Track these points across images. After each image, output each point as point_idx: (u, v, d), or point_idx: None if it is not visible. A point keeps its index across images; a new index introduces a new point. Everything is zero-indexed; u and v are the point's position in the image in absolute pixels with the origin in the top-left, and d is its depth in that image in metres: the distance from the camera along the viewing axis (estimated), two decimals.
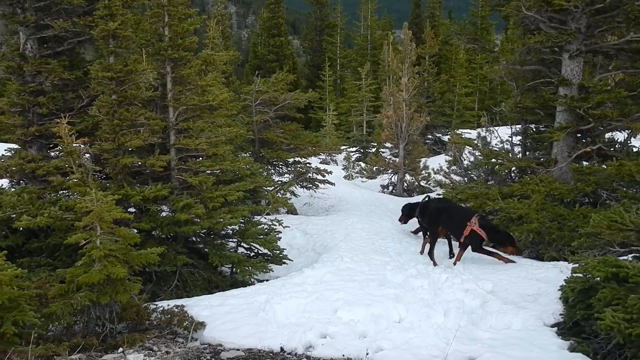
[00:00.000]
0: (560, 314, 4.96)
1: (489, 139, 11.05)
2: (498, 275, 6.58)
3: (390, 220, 10.41)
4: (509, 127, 10.55)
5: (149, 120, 7.06)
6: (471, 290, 5.67)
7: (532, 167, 9.31)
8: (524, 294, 5.71)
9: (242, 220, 7.34)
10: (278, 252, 7.41)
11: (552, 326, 4.98)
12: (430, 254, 7.42)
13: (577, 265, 4.86)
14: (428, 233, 7.89)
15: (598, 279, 4.45)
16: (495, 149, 10.39)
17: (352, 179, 20.28)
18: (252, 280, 7.03)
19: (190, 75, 7.41)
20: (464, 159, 12.22)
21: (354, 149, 27.51)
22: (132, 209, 7.24)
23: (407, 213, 9.50)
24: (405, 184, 16.65)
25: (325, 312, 5.16)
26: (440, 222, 7.59)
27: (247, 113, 11.94)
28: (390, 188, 17.23)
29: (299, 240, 9.08)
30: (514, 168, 9.92)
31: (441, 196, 9.60)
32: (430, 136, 26.78)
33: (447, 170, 13.05)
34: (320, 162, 23.47)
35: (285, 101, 11.89)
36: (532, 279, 6.34)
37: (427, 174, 16.84)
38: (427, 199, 9.00)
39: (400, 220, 9.59)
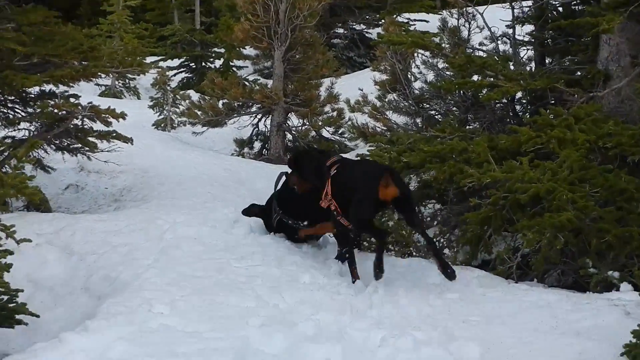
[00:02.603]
0: None
1: (464, 32, 10.00)
2: (494, 326, 5.64)
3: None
4: (506, 4, 9.52)
5: None
6: None
7: (558, 90, 7.94)
8: None
9: None
10: (6, 298, 6.71)
11: None
12: (350, 264, 6.90)
13: None
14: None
15: None
16: (480, 52, 9.34)
17: (172, 128, 18.28)
18: None
19: None
20: (412, 78, 10.96)
21: (176, 62, 24.62)
22: None
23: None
24: (289, 137, 14.60)
25: None
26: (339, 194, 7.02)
27: None
28: (258, 146, 15.34)
29: (55, 268, 7.67)
30: (519, 93, 8.60)
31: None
32: (340, 31, 24.13)
33: (377, 103, 11.92)
34: (101, 95, 21.31)
35: None
36: (564, 331, 5.62)
37: (334, 113, 14.51)
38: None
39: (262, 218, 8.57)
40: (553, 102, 8.57)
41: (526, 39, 9.87)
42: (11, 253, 6.75)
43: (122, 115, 10.03)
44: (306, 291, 6.41)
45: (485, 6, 9.93)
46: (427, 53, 10.46)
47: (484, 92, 8.54)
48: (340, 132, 14.86)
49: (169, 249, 7.63)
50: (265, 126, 14.96)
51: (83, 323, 5.87)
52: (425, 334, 5.48)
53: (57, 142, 10.10)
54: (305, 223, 7.79)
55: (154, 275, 6.83)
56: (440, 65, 10.47)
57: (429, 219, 8.39)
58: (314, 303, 6.09)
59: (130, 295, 6.37)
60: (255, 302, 6.13)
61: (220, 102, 15.01)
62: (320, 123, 14.68)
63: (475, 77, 8.91)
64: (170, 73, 22.54)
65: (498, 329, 5.66)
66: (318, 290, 6.42)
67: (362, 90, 13.32)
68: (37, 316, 6.80)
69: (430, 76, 10.91)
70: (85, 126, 10.16)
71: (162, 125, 18.44)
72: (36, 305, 7.07)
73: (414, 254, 7.66)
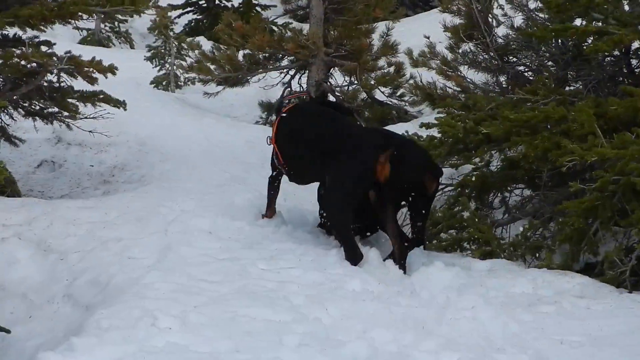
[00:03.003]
0: None
1: None
2: (601, 348, 5.56)
3: (292, 200, 9.12)
4: None
5: None
6: None
7: None
8: None
9: None
10: None
11: None
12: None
13: None
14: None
15: None
16: None
17: (177, 87, 18.52)
18: None
19: None
20: (495, 22, 10.72)
21: (181, 0, 24.69)
22: None
23: None
24: (331, 98, 14.34)
25: None
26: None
27: None
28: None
29: (28, 269, 7.74)
30: (637, 43, 8.45)
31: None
32: None
33: (448, 56, 11.69)
34: (82, 42, 21.84)
35: None
36: None
37: (391, 68, 14.61)
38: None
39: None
40: None
41: None
42: None
43: (112, 70, 10.03)
44: (356, 301, 6.28)
45: None
46: None
47: (590, 41, 8.58)
48: (399, 93, 14.69)
49: (175, 245, 7.68)
50: (300, 85, 14.86)
51: (67, 340, 5.83)
52: (512, 357, 5.46)
53: (26, 104, 10.36)
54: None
55: (157, 279, 6.81)
56: (532, 5, 10.32)
57: (514, 209, 8.38)
58: (366, 317, 6.04)
59: (127, 305, 6.25)
60: (290, 315, 6.06)
61: (241, 53, 14.94)
62: (372, 82, 14.54)
63: (578, 22, 8.76)
64: (174, 14, 22.75)
65: (606, 353, 5.59)
66: (371, 300, 6.32)
67: (428, 38, 13.02)
68: (7, 331, 6.84)
69: (519, 20, 10.73)
70: (63, 84, 10.17)
71: (164, 83, 18.56)
72: (5, 318, 7.28)
73: (499, 254, 7.59)
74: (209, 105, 16.24)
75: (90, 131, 10.82)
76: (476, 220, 7.90)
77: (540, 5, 9.85)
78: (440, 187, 8.84)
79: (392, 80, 14.65)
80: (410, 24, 20.54)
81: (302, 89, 13.72)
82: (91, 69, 10.09)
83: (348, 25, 14.24)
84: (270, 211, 8.42)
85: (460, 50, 11.96)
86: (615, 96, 8.16)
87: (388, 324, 5.96)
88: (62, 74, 10.19)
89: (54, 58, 10.01)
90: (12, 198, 9.83)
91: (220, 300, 6.34)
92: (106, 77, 10.12)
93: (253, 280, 6.80)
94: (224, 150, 12.21)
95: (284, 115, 8.32)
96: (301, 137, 7.95)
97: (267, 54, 14.94)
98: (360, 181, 7.32)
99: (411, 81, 13.78)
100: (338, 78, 15.16)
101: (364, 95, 14.87)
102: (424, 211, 7.58)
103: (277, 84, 15.18)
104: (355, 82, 14.82)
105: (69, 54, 10.05)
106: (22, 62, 9.98)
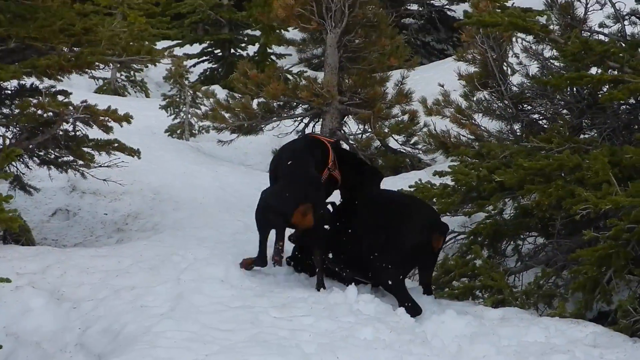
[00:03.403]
0: None
1: (579, 9, 9.69)
2: None
3: None
4: None
5: None
6: None
7: None
8: None
9: None
10: None
11: None
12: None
13: None
14: None
15: None
16: (601, 35, 8.96)
17: (192, 135, 18.59)
18: None
19: None
20: (510, 71, 10.79)
21: (197, 49, 25.42)
22: None
23: None
24: (346, 148, 13.66)
25: None
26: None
27: None
28: None
29: (42, 318, 7.62)
30: None
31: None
32: (414, 7, 25.44)
33: (462, 104, 11.82)
34: (98, 91, 21.86)
35: None
36: None
37: (405, 116, 14.62)
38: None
39: None
40: None
41: None
42: None
43: (127, 118, 10.11)
44: (368, 350, 6.45)
45: None
46: (530, 37, 10.25)
47: (605, 89, 8.68)
48: (413, 141, 14.75)
49: (188, 293, 7.53)
50: (314, 130, 14.94)
51: None
52: None
53: (42, 153, 10.41)
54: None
55: (169, 327, 6.84)
56: (547, 53, 10.34)
57: (527, 257, 8.34)
58: None
59: (139, 354, 6.46)
60: None
61: (255, 101, 15.02)
62: (386, 130, 14.64)
63: (593, 70, 8.76)
64: (189, 63, 22.86)
65: None
66: (383, 348, 6.36)
67: (442, 86, 13.25)
68: None
69: (534, 68, 10.71)
70: (78, 133, 10.20)
71: (179, 131, 18.67)
72: None
73: (511, 302, 7.53)
74: (223, 154, 16.38)
75: (104, 180, 10.84)
76: (488, 268, 7.85)
77: (555, 53, 9.83)
78: (453, 234, 8.83)
79: (405, 128, 14.64)
80: (425, 72, 20.64)
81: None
82: (107, 118, 10.14)
83: (363, 73, 14.30)
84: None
85: (474, 98, 11.98)
86: (631, 144, 8.16)
87: None
88: (77, 123, 10.24)
89: (70, 107, 10.04)
90: (26, 246, 9.77)
91: (232, 348, 6.38)
92: (121, 126, 10.19)
93: (265, 329, 6.79)
94: (238, 199, 12.28)
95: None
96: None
97: (281, 102, 15.06)
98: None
99: (425, 129, 13.86)
100: (352, 126, 15.14)
101: (377, 143, 14.88)
102: (430, 265, 7.69)
103: (292, 132, 15.24)
104: (369, 130, 14.80)
105: (85, 103, 10.08)
106: (39, 112, 10.03)
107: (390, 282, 7.39)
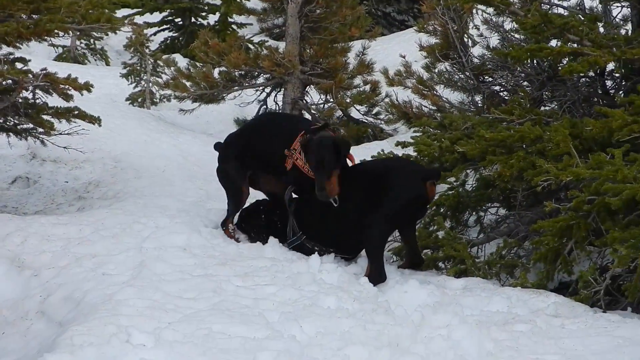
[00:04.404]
0: None
1: None
2: None
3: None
4: None
5: None
6: None
7: None
8: None
9: None
10: None
11: None
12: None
13: None
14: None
15: None
16: (560, 9, 9.11)
17: (153, 104, 18.50)
18: None
19: None
20: (470, 42, 10.97)
21: (157, 17, 25.32)
22: None
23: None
24: (306, 116, 14.32)
25: None
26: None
27: None
28: None
29: (3, 285, 7.60)
30: (611, 65, 8.70)
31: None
32: None
33: (423, 75, 11.99)
34: (57, 59, 21.90)
35: None
36: None
37: (367, 87, 14.66)
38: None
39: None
40: None
41: None
42: None
43: (87, 87, 10.00)
44: (331, 319, 6.01)
45: None
46: (490, 9, 10.22)
47: (565, 62, 8.70)
48: (375, 112, 14.80)
49: (150, 262, 7.35)
50: (276, 103, 14.96)
51: (40, 357, 5.81)
52: None
53: (1, 120, 10.29)
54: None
55: (131, 295, 6.50)
56: (508, 25, 10.40)
57: (489, 228, 8.40)
58: (342, 334, 5.95)
59: (101, 322, 5.95)
60: (265, 332, 5.94)
61: (216, 70, 15.02)
62: (348, 100, 14.62)
63: (553, 43, 8.78)
64: (149, 31, 23.02)
65: None
66: (347, 317, 6.25)
67: (403, 57, 13.27)
68: None
69: (494, 40, 10.82)
70: (38, 100, 10.09)
71: (139, 100, 18.60)
72: None
73: (473, 272, 7.55)
74: (185, 122, 16.34)
75: (65, 147, 10.84)
76: (451, 239, 7.88)
77: (515, 26, 9.85)
78: None
79: (367, 99, 14.68)
80: (385, 43, 20.59)
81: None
82: (67, 86, 10.03)
83: (324, 43, 14.26)
84: None
85: (436, 70, 12.04)
86: (590, 117, 8.23)
87: (363, 341, 5.93)
88: (37, 91, 10.15)
89: (30, 75, 9.96)
90: None
91: (195, 317, 6.24)
92: (82, 94, 10.11)
93: (228, 297, 6.71)
94: (200, 167, 12.30)
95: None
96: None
97: (243, 72, 15.05)
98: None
99: (387, 100, 13.91)
100: (314, 96, 15.16)
101: (339, 113, 14.86)
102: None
103: (253, 101, 15.36)
104: (331, 100, 14.82)
105: (44, 71, 9.99)
106: None
107: (376, 237, 7.41)
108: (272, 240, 8.42)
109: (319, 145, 7.59)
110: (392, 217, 7.47)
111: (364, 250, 7.68)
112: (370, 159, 9.29)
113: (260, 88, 15.19)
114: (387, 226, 7.52)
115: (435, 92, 12.20)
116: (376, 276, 7.19)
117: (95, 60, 24.15)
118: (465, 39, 11.40)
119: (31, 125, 10.28)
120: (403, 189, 7.48)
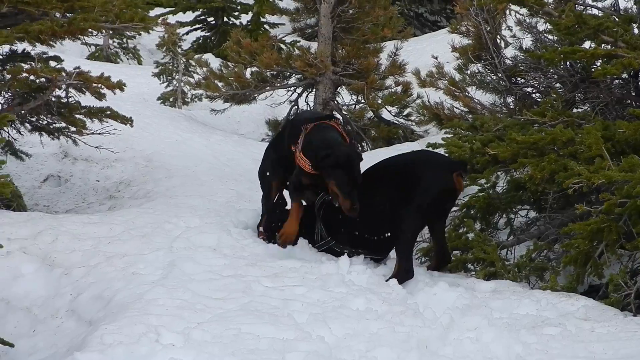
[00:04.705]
0: None
1: None
2: None
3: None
4: None
5: None
6: None
7: None
8: None
9: None
10: None
11: None
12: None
13: None
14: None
15: None
16: (594, 10, 8.90)
17: (185, 104, 18.51)
18: None
19: None
20: (503, 44, 10.85)
21: (190, 17, 25.03)
22: None
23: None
24: (338, 117, 13.58)
25: None
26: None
27: None
28: None
29: (33, 284, 7.52)
30: None
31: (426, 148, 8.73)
32: None
33: (456, 76, 11.75)
34: (90, 57, 21.91)
35: None
36: None
37: (398, 88, 14.60)
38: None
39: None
40: None
41: None
42: None
43: (120, 86, 9.92)
44: (360, 320, 6.02)
45: None
46: (524, 10, 10.13)
47: (598, 64, 8.62)
48: (406, 113, 14.69)
49: (180, 261, 7.31)
50: (307, 103, 14.94)
51: (70, 355, 5.82)
52: None
53: (34, 119, 10.25)
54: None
55: (161, 295, 6.46)
56: (541, 27, 10.36)
57: (519, 231, 8.32)
58: (370, 336, 6.02)
59: (130, 321, 6.00)
60: (293, 333, 6.01)
61: (248, 70, 14.92)
62: (380, 101, 14.57)
63: (587, 44, 8.69)
64: (182, 30, 22.92)
65: None
66: (375, 319, 6.28)
67: (436, 58, 13.12)
68: (11, 345, 6.40)
69: (528, 41, 10.75)
70: (71, 99, 10.07)
71: (171, 99, 18.56)
72: (9, 332, 7.05)
73: (503, 275, 7.49)
74: (216, 122, 16.28)
75: (96, 147, 10.85)
76: (481, 241, 7.79)
77: (549, 27, 9.75)
78: None
79: (399, 100, 14.53)
80: (418, 44, 20.45)
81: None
82: (99, 85, 10.02)
83: (356, 44, 14.17)
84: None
85: (468, 71, 11.91)
86: (623, 119, 8.14)
87: (391, 343, 5.92)
88: (70, 90, 10.16)
89: (63, 73, 9.95)
90: (17, 212, 9.68)
91: (224, 317, 6.25)
92: (114, 93, 10.10)
93: (257, 298, 6.68)
94: (231, 168, 12.23)
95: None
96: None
97: (274, 72, 15.00)
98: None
99: (418, 101, 13.66)
100: (345, 97, 15.05)
101: (370, 114, 14.79)
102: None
103: (285, 101, 15.32)
104: (363, 100, 14.73)
105: (77, 70, 10.01)
106: (31, 77, 9.94)
107: (408, 232, 7.37)
108: (302, 241, 8.30)
109: (347, 161, 7.47)
110: (424, 209, 7.42)
111: (393, 250, 7.59)
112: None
113: (292, 88, 15.11)
114: (419, 220, 7.46)
115: (467, 94, 12.03)
116: (403, 273, 7.15)
117: (128, 59, 24.18)
118: (498, 40, 11.25)
119: (63, 124, 10.29)
120: (432, 180, 7.43)
